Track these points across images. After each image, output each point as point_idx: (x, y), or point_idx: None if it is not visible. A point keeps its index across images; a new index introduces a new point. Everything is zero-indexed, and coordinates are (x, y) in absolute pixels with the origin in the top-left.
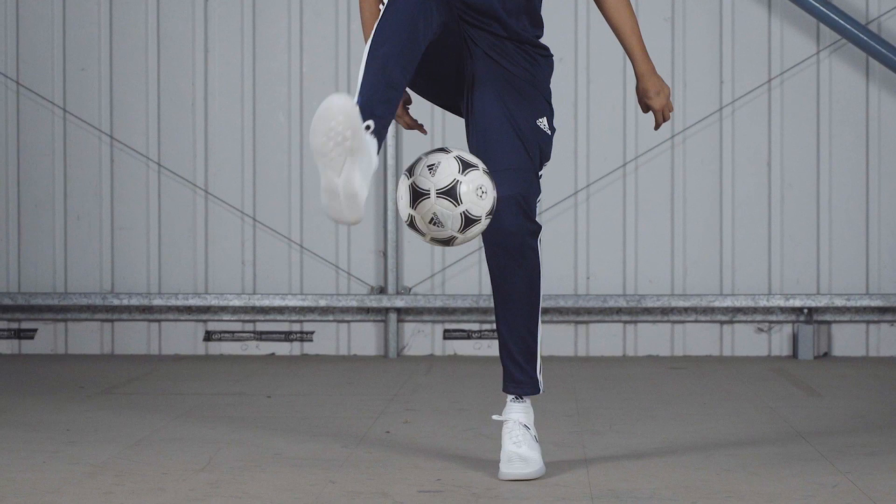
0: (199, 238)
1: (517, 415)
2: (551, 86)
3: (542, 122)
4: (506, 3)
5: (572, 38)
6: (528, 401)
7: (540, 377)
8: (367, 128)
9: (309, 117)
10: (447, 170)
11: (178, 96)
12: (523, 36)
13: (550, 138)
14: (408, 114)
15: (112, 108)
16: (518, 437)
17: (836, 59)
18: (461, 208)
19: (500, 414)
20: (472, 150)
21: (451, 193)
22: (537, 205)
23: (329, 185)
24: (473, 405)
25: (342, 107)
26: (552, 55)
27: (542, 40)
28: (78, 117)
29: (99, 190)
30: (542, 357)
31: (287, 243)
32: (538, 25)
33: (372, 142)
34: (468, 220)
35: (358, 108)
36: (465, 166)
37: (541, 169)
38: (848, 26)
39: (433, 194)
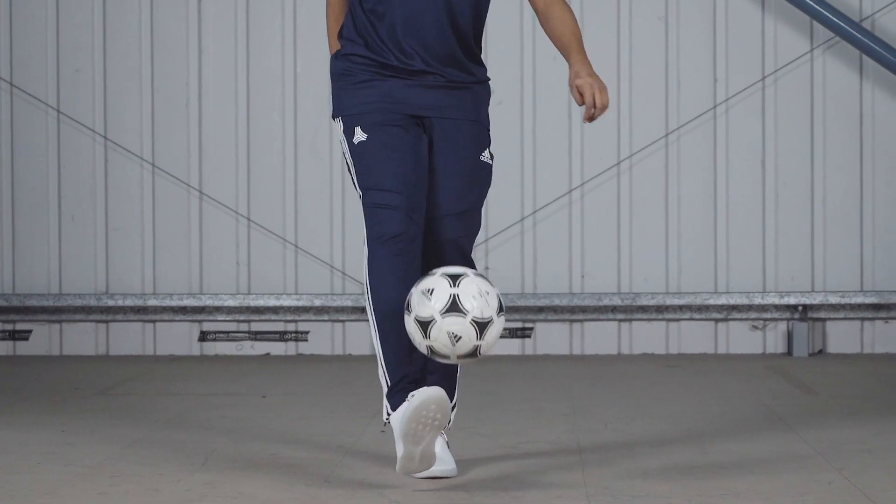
0: (193, 238)
1: None
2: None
3: (485, 155)
4: (432, 54)
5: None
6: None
7: (451, 414)
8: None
9: (303, 117)
10: (440, 290)
11: (171, 97)
12: (461, 78)
13: (491, 166)
14: None
15: (106, 108)
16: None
17: (830, 56)
18: (469, 317)
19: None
20: (429, 200)
21: (453, 308)
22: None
23: (408, 454)
24: (468, 404)
25: (437, 398)
26: (489, 79)
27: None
28: (72, 118)
29: (93, 190)
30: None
31: (282, 243)
32: (472, 57)
33: None
34: (481, 325)
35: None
36: (454, 278)
37: (482, 200)
38: (841, 24)
39: (438, 317)
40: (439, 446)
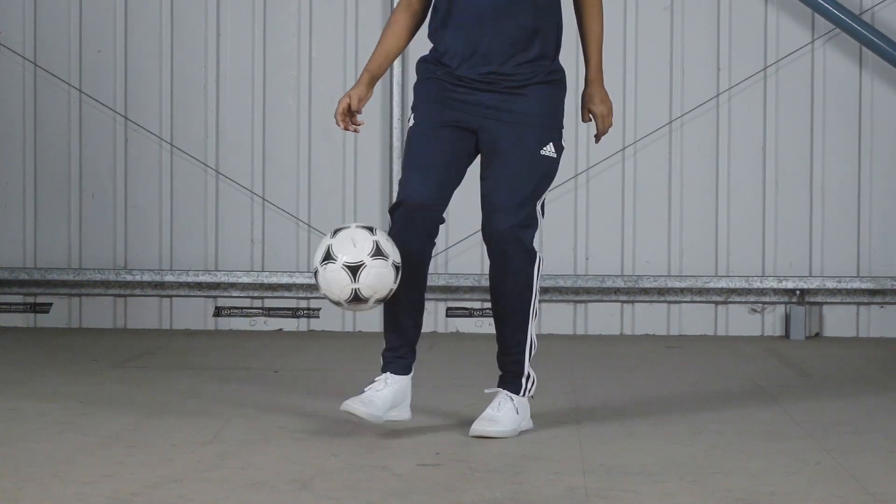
0: (209, 217)
1: (507, 392)
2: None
3: (548, 149)
4: (503, 58)
5: (573, 25)
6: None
7: (527, 384)
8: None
9: (318, 100)
10: (322, 244)
11: (190, 79)
12: (531, 77)
13: (556, 161)
14: (353, 120)
15: (126, 89)
16: (498, 403)
17: (831, 48)
18: (339, 262)
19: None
20: (482, 172)
21: (327, 258)
22: (536, 231)
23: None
24: (474, 382)
25: (356, 412)
26: (563, 72)
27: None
28: (93, 98)
29: (113, 169)
30: (531, 370)
31: (295, 222)
32: (548, 58)
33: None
34: (353, 269)
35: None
36: (335, 231)
37: (544, 194)
38: (842, 16)
39: (319, 267)
40: (504, 410)
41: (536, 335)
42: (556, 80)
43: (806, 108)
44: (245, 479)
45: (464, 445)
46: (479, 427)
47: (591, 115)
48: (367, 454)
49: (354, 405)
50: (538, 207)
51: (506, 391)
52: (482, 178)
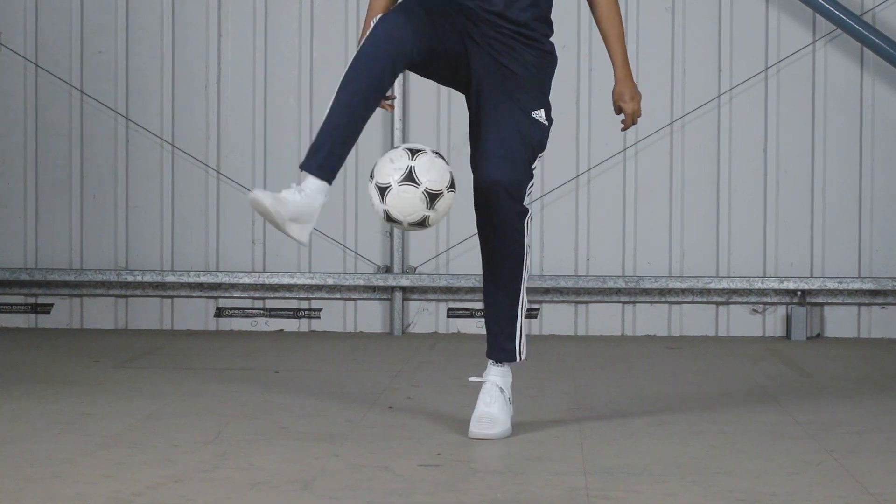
0: (210, 217)
1: (494, 377)
2: (554, 80)
3: (539, 114)
4: (513, 3)
5: (574, 26)
6: (507, 366)
7: (519, 346)
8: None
9: (318, 100)
10: (400, 160)
11: (191, 79)
12: (530, 35)
13: (547, 129)
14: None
15: (128, 90)
16: (490, 398)
17: (832, 48)
18: (422, 187)
19: (481, 375)
20: (473, 139)
21: (409, 178)
22: (529, 191)
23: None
24: (475, 382)
25: (263, 206)
26: (555, 54)
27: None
28: (94, 99)
29: (114, 170)
30: (523, 329)
31: None
32: (546, 24)
33: (316, 187)
34: (432, 196)
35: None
36: (414, 152)
37: (535, 159)
38: (843, 17)
39: (395, 185)
40: (497, 405)
41: (533, 334)
42: (550, 52)
43: (807, 108)
44: (246, 480)
45: (465, 446)
46: (479, 430)
47: (621, 111)
48: (369, 454)
49: (264, 197)
50: (532, 169)
51: (492, 378)
52: (474, 136)
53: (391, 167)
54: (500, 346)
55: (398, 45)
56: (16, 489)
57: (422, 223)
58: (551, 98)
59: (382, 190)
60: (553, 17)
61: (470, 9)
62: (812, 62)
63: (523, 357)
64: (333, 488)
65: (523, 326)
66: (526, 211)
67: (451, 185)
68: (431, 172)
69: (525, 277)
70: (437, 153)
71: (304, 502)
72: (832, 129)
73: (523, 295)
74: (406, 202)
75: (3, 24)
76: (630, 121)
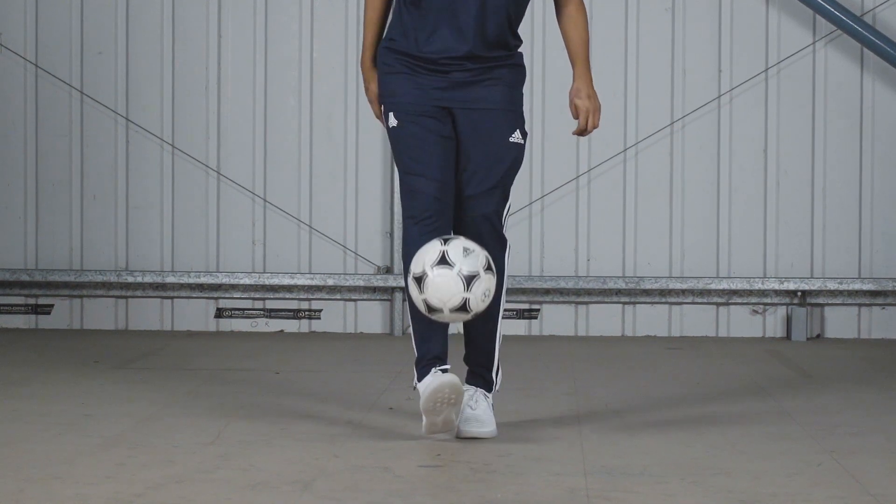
0: (211, 218)
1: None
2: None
3: (515, 136)
4: (485, 40)
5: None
6: None
7: (496, 377)
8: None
9: (319, 101)
10: (432, 248)
11: (191, 80)
12: (500, 55)
13: (523, 147)
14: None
15: (128, 90)
16: (475, 402)
17: (832, 49)
18: (455, 269)
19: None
20: (458, 175)
21: (442, 262)
22: (506, 217)
23: (430, 422)
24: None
25: (451, 384)
26: (524, 65)
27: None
28: (95, 99)
29: (114, 170)
30: (500, 359)
31: (296, 224)
32: (515, 37)
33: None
34: (468, 279)
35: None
36: (446, 240)
37: (511, 182)
38: (843, 17)
39: (429, 271)
40: (482, 408)
41: (533, 334)
42: (520, 65)
43: (807, 109)
44: (246, 480)
45: (465, 446)
46: (468, 429)
47: (576, 111)
48: (369, 455)
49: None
50: (509, 195)
51: (478, 388)
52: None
53: (425, 257)
54: (477, 376)
55: (436, 224)
56: (16, 490)
57: (463, 308)
58: (551, 98)
59: (419, 280)
60: (549, 19)
61: (435, 60)
62: (812, 63)
63: (497, 388)
64: (333, 489)
65: (500, 359)
66: (506, 242)
67: (488, 267)
68: (465, 256)
69: (501, 310)
70: (468, 238)
71: (305, 503)
72: (832, 130)
73: (500, 327)
74: (442, 287)
75: (3, 25)
76: (584, 121)
